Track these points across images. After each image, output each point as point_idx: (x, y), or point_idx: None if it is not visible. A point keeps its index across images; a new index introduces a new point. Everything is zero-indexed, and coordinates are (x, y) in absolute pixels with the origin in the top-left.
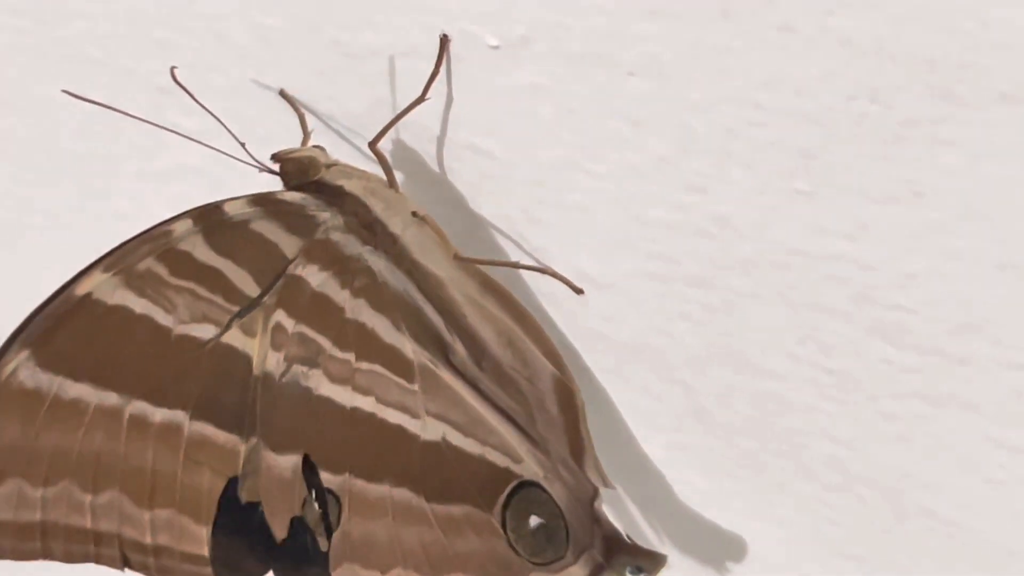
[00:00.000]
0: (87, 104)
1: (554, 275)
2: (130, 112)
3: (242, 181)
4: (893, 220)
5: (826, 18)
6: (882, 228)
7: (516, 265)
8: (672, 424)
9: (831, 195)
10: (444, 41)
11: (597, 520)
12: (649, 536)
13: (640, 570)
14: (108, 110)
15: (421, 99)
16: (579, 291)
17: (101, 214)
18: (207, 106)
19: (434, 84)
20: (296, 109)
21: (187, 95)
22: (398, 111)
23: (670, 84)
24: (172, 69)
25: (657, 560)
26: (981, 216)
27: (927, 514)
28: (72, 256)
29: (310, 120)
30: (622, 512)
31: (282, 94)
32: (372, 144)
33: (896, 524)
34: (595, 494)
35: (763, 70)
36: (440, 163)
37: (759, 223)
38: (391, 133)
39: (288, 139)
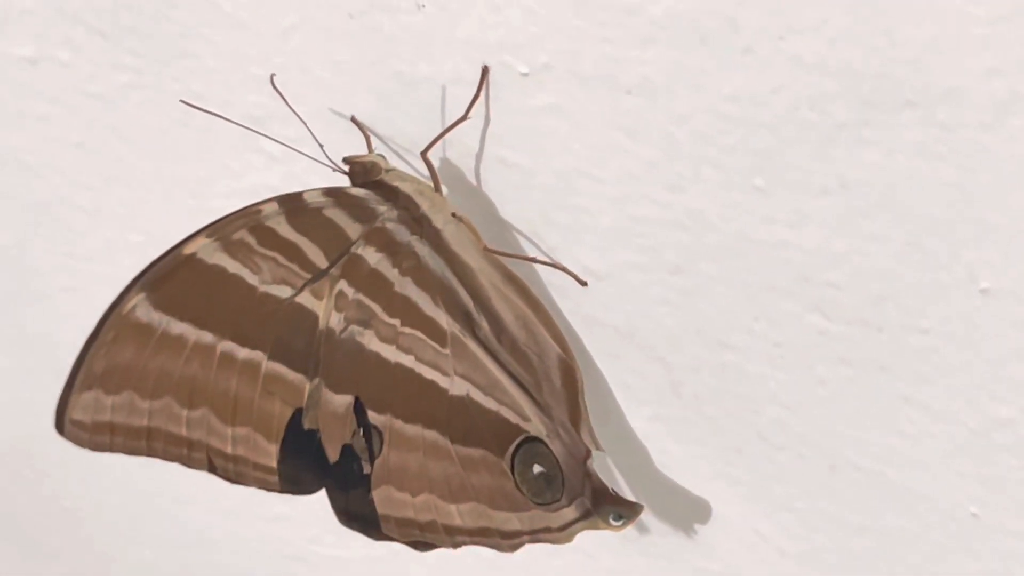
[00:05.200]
0: (186, 132)
1: (563, 269)
2: (236, 121)
3: None
4: (825, 209)
5: (778, 42)
6: (817, 216)
7: (533, 260)
8: (653, 398)
9: (780, 190)
10: (485, 71)
11: (588, 475)
12: (629, 496)
13: (621, 517)
14: (205, 134)
15: (464, 118)
16: (583, 283)
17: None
18: (293, 121)
19: (475, 106)
20: (363, 131)
21: (283, 103)
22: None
23: (658, 99)
24: (272, 76)
25: (635, 509)
26: (894, 202)
27: (853, 467)
28: None
29: (374, 140)
30: (609, 474)
31: (353, 120)
32: (423, 153)
33: (829, 478)
34: (588, 454)
35: (730, 85)
36: (477, 175)
37: (725, 216)
38: (439, 151)
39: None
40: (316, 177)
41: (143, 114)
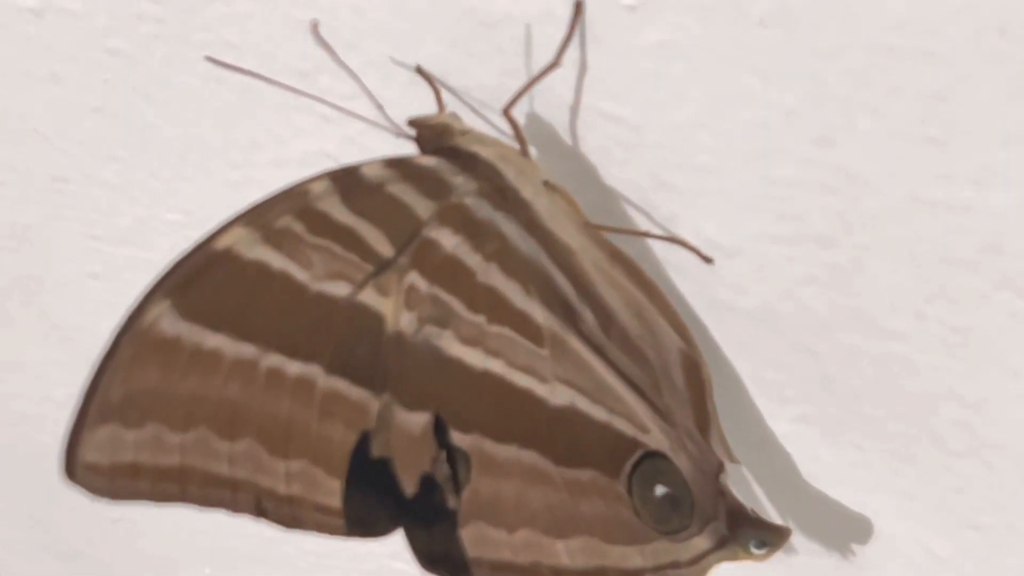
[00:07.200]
0: (223, 91)
1: (684, 244)
2: (276, 80)
3: None
4: (1019, 162)
5: None
6: (1008, 172)
7: (646, 234)
8: (798, 395)
9: (960, 140)
10: (579, 5)
11: (722, 493)
12: (772, 514)
13: (764, 544)
14: (245, 93)
15: (554, 64)
16: (709, 260)
17: (238, 206)
18: (347, 75)
19: (568, 49)
20: (432, 84)
21: (331, 59)
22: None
23: (799, 32)
24: (314, 24)
25: (782, 534)
26: None
27: None
28: None
29: (445, 94)
30: (746, 488)
31: (418, 70)
32: (506, 110)
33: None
34: (720, 468)
35: (892, 12)
36: (573, 132)
37: (887, 174)
38: (525, 105)
39: (423, 111)
40: (378, 140)
41: (170, 71)
